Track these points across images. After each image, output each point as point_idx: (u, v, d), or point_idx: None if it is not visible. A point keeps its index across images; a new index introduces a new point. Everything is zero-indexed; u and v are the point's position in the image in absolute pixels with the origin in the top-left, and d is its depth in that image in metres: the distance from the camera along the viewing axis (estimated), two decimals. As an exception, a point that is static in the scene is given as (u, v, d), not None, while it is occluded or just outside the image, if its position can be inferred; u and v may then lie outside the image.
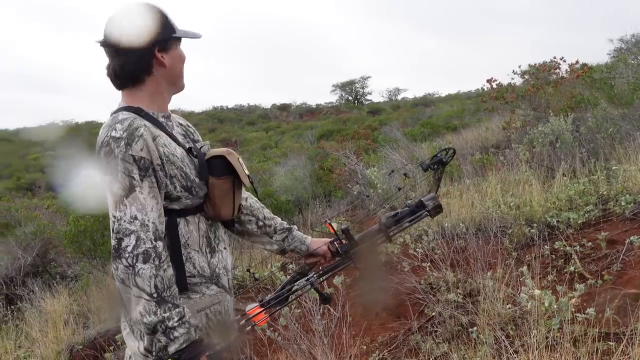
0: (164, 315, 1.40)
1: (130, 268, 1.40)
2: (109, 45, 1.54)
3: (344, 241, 1.78)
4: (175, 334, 1.42)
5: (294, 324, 3.22)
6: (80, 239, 6.71)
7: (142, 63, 1.56)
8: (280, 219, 1.92)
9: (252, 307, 1.70)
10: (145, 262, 1.40)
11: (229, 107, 46.97)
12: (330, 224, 1.79)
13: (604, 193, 4.51)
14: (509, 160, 6.44)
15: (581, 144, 5.96)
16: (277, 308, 1.73)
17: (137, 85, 1.58)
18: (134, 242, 1.40)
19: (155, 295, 1.40)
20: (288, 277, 1.88)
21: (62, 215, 8.81)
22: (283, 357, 3.04)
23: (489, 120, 12.32)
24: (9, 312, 6.15)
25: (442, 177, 1.87)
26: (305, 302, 3.33)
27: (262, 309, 1.69)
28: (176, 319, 1.42)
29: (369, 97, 45.73)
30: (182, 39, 1.63)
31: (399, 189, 1.95)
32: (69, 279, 7.39)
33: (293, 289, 1.71)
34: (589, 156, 5.64)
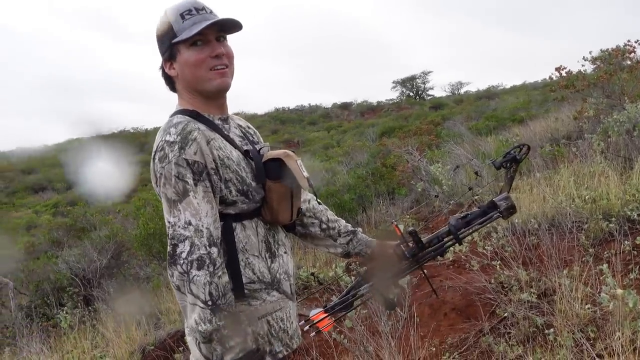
0: (219, 323, 1.37)
1: (185, 275, 1.37)
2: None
3: (410, 244, 1.71)
4: (231, 342, 1.39)
5: (360, 325, 3.16)
6: (150, 242, 6.91)
7: (163, 73, 1.59)
8: (344, 221, 1.86)
9: (316, 313, 1.66)
10: (199, 268, 1.37)
11: (290, 108, 47.41)
12: (397, 226, 1.72)
13: (690, 184, 4.20)
14: (582, 152, 6.12)
15: (661, 131, 5.58)
16: (342, 313, 1.69)
17: (178, 92, 1.60)
18: (188, 248, 1.38)
19: (210, 302, 1.37)
20: (353, 279, 1.83)
21: (133, 219, 9.11)
22: (349, 359, 2.99)
23: (558, 111, 11.80)
24: (87, 313, 6.42)
25: (515, 175, 1.76)
26: (372, 302, 3.27)
27: (327, 314, 1.65)
28: (232, 327, 1.39)
29: (430, 92, 44.88)
30: (197, 40, 1.50)
31: (470, 189, 1.85)
32: (141, 280, 7.65)
33: (358, 294, 1.66)
34: (671, 144, 5.28)
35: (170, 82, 1.61)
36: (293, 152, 1.60)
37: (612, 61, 7.03)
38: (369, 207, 8.16)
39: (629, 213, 3.95)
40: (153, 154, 1.47)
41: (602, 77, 6.90)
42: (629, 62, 7.10)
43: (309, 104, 46.86)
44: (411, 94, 44.52)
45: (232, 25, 1.54)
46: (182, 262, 1.37)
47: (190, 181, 1.41)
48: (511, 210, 1.65)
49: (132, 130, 39.95)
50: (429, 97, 42.82)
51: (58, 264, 8.38)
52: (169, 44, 1.52)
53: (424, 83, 44.84)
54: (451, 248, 4.39)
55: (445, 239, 1.68)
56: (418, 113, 29.69)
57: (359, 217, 7.93)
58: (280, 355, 1.57)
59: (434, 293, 3.76)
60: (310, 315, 1.68)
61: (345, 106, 44.42)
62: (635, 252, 3.47)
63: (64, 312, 6.43)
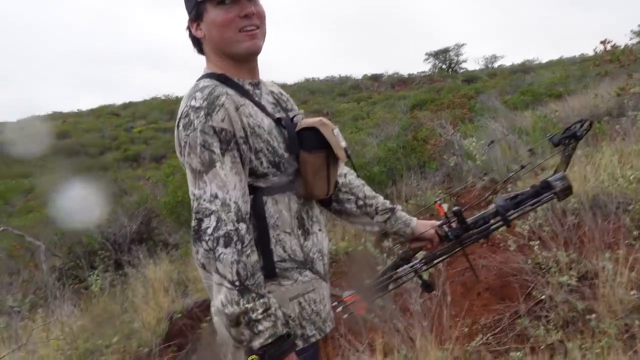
0: (247, 306, 1.26)
1: (211, 252, 1.26)
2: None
3: (454, 225, 1.59)
4: (260, 327, 1.27)
5: (391, 303, 3.07)
6: (179, 210, 6.91)
7: (189, 34, 1.49)
8: (382, 198, 1.73)
9: (350, 294, 1.57)
10: (226, 246, 1.26)
11: (320, 78, 46.97)
12: (440, 205, 1.60)
13: None
14: (625, 129, 5.86)
15: None
16: (377, 296, 1.59)
17: (205, 54, 1.49)
18: (214, 223, 1.27)
19: (237, 283, 1.26)
20: (385, 256, 1.73)
21: (162, 185, 9.16)
22: (379, 337, 2.91)
23: (598, 87, 11.37)
24: (117, 277, 6.50)
25: (573, 154, 1.62)
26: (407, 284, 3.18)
27: (360, 296, 1.56)
28: (260, 310, 1.27)
29: (463, 65, 43.94)
30: None
31: (522, 167, 1.71)
32: (170, 246, 7.71)
33: (395, 277, 1.56)
34: None
35: (197, 43, 1.49)
36: (329, 120, 1.48)
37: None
38: (399, 181, 8.02)
39: (677, 195, 3.75)
40: (177, 120, 1.36)
41: (651, 51, 6.56)
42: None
43: (339, 75, 46.38)
44: (444, 66, 43.64)
45: None
46: (207, 238, 1.27)
47: (217, 150, 1.30)
48: (567, 191, 1.52)
49: (163, 98, 40.22)
50: (462, 71, 41.96)
51: (90, 227, 8.51)
52: (195, 2, 1.40)
53: (457, 56, 43.89)
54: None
55: (492, 221, 1.56)
56: (450, 86, 29.09)
57: (388, 190, 7.79)
58: (313, 340, 1.46)
59: (468, 270, 3.67)
60: (343, 297, 1.59)
61: (375, 77, 43.80)
62: (684, 237, 3.29)
63: (95, 275, 6.53)
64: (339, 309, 1.60)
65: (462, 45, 45.84)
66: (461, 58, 44.07)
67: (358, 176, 1.71)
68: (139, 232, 8.39)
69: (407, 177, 7.93)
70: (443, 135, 8.55)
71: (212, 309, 1.39)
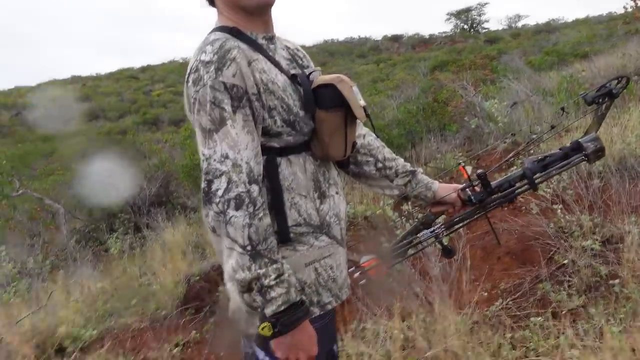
0: (259, 271, 1.21)
1: (221, 215, 1.21)
2: None
3: (477, 188, 1.51)
4: (273, 294, 1.22)
5: (410, 267, 3.03)
6: (196, 173, 6.90)
7: None
8: (402, 160, 1.65)
9: (368, 259, 1.52)
10: (237, 208, 1.20)
11: (339, 40, 46.31)
12: (463, 167, 1.52)
13: None
14: (655, 89, 5.66)
15: None
16: (396, 261, 1.54)
17: (217, 7, 1.40)
18: (225, 185, 1.21)
19: (249, 247, 1.21)
20: (403, 219, 1.67)
21: (180, 148, 9.16)
22: (397, 301, 2.88)
23: (625, 46, 11.00)
24: (136, 240, 6.57)
25: (607, 113, 1.52)
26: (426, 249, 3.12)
27: (379, 261, 1.50)
28: (273, 276, 1.22)
29: (486, 25, 42.93)
30: None
31: (553, 127, 1.63)
32: (189, 209, 7.74)
33: (415, 242, 1.50)
34: None
35: None
36: (348, 77, 1.39)
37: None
38: (419, 143, 7.91)
39: None
40: (187, 75, 1.29)
41: (685, 7, 6.27)
42: None
43: (359, 36, 45.72)
44: (465, 26, 42.68)
45: None
46: (217, 200, 1.21)
47: (228, 108, 1.23)
48: (599, 153, 1.44)
49: (181, 61, 40.06)
50: (484, 31, 40.99)
51: (108, 190, 8.58)
52: None
53: (479, 15, 42.89)
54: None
55: (518, 184, 1.48)
56: (472, 47, 28.47)
57: (407, 153, 7.69)
58: (329, 307, 1.41)
59: (489, 236, 3.60)
60: (361, 262, 1.54)
61: (395, 39, 43.06)
62: None
63: (115, 238, 6.61)
64: (357, 274, 1.55)
65: (485, 4, 44.81)
66: (483, 18, 43.22)
67: (377, 137, 1.64)
68: (158, 195, 8.43)
69: (426, 140, 7.81)
70: (464, 97, 8.37)
71: (225, 275, 1.35)
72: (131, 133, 13.45)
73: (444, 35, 41.47)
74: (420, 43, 39.96)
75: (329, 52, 38.65)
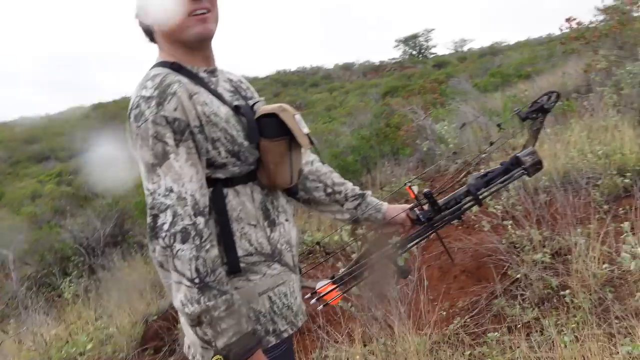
0: (208, 304, 1.20)
1: (168, 249, 1.19)
2: None
3: (425, 207, 1.55)
4: (223, 325, 1.21)
5: (367, 291, 3.05)
6: (151, 210, 6.80)
7: (139, 24, 1.42)
8: (351, 184, 1.68)
9: (323, 285, 1.52)
10: (184, 241, 1.19)
11: (291, 70, 46.74)
12: (410, 188, 1.56)
13: None
14: (593, 105, 5.92)
15: (677, 82, 5.36)
16: (352, 284, 1.55)
17: (157, 43, 1.42)
18: (170, 218, 1.20)
19: (197, 280, 1.20)
20: (359, 244, 1.69)
21: (134, 186, 9.01)
22: (357, 327, 2.89)
23: (565, 65, 11.50)
24: (91, 282, 6.38)
25: (542, 128, 1.59)
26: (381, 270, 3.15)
27: (335, 286, 1.51)
28: (223, 308, 1.21)
29: (433, 50, 44.14)
30: None
31: (491, 144, 1.69)
32: (145, 247, 7.58)
33: (368, 264, 1.52)
34: (687, 95, 5.07)
35: (148, 32, 1.42)
36: (291, 105, 1.42)
37: (624, 10, 6.74)
38: (374, 168, 8.02)
39: (645, 167, 3.79)
40: (129, 112, 1.28)
41: (614, 27, 6.63)
42: (642, 10, 6.81)
43: (311, 66, 46.20)
44: (414, 52, 43.78)
45: None
46: (164, 234, 1.20)
47: (171, 141, 1.23)
48: (538, 166, 1.49)
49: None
50: (432, 55, 42.13)
51: (61, 233, 8.34)
52: None
53: (426, 41, 44.05)
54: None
55: (464, 201, 1.53)
56: (421, 72, 29.20)
57: (363, 178, 7.79)
58: (285, 335, 1.41)
59: (444, 254, 3.66)
60: (317, 288, 1.55)
61: (347, 67, 43.79)
62: (653, 208, 3.32)
63: (68, 282, 6.40)
64: (313, 300, 1.55)
65: (431, 30, 46.33)
66: (430, 43, 44.28)
67: (323, 163, 1.66)
68: (113, 235, 8.24)
69: (381, 165, 7.93)
70: (415, 120, 8.55)
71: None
72: (83, 173, 13.17)
73: (393, 61, 42.38)
74: (371, 70, 40.71)
75: (282, 83, 38.89)
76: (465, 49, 44.06)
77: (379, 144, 8.52)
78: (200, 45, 1.38)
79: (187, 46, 1.37)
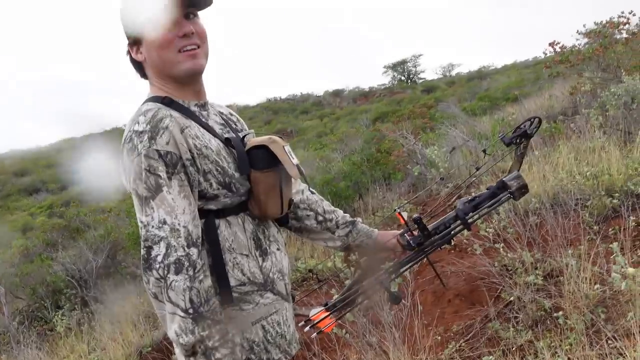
0: (202, 334, 1.23)
1: (162, 280, 1.22)
2: None
3: (415, 232, 1.58)
4: (218, 355, 1.24)
5: (362, 318, 3.05)
6: (143, 240, 6.77)
7: (130, 59, 1.46)
8: (342, 211, 1.71)
9: (316, 312, 1.53)
10: (177, 272, 1.22)
11: (282, 97, 47.04)
12: (400, 214, 1.59)
13: (693, 154, 4.09)
14: (580, 127, 6.00)
15: (660, 102, 5.47)
16: (345, 311, 1.57)
17: (148, 79, 1.46)
18: (164, 250, 1.23)
19: (191, 310, 1.22)
20: (352, 270, 1.71)
21: (126, 216, 8.98)
22: (353, 353, 2.88)
23: (552, 88, 11.69)
24: (84, 315, 6.31)
25: (526, 152, 1.63)
26: (375, 296, 3.15)
27: (328, 313, 1.53)
28: (217, 337, 1.24)
29: (422, 75, 44.73)
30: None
31: (477, 169, 1.72)
32: (138, 278, 7.53)
33: (361, 290, 1.54)
34: (671, 115, 5.17)
35: (139, 68, 1.46)
36: (280, 137, 1.45)
37: (606, 34, 6.90)
38: (366, 194, 8.06)
39: (632, 187, 3.85)
40: (121, 146, 1.32)
41: (597, 50, 6.77)
42: (624, 34, 6.97)
43: (301, 93, 46.56)
44: (403, 78, 44.33)
45: (202, 0, 1.38)
46: (157, 266, 1.23)
47: (163, 175, 1.26)
48: (523, 190, 1.53)
49: (123, 127, 39.65)
50: (421, 81, 42.65)
51: (53, 266, 8.27)
52: (133, 26, 1.38)
53: (415, 66, 44.67)
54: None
55: (453, 225, 1.56)
56: (410, 97, 29.53)
57: (355, 204, 7.82)
58: None
59: (437, 279, 3.67)
60: (310, 315, 1.56)
61: (337, 93, 44.15)
62: (642, 228, 3.37)
63: (60, 315, 6.33)
64: (307, 328, 1.57)
65: (419, 56, 46.88)
66: (419, 68, 44.92)
67: (313, 192, 1.69)
68: (105, 267, 8.18)
69: (373, 190, 7.97)
70: (405, 145, 8.63)
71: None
72: (74, 205, 13.12)
73: (383, 87, 42.88)
74: (361, 96, 41.08)
75: (273, 110, 39.12)
76: (453, 73, 44.66)
77: (371, 169, 8.58)
78: (190, 80, 1.42)
79: (177, 81, 1.41)
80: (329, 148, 13.46)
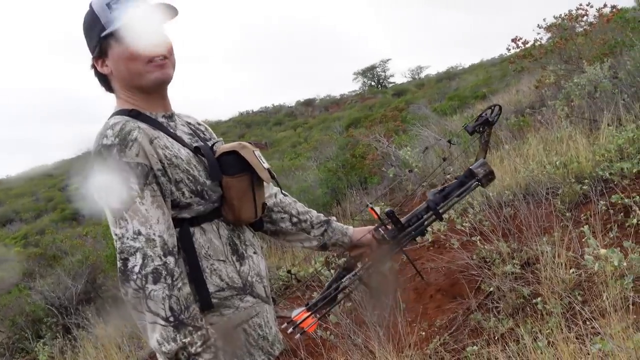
0: (184, 340, 1.23)
1: (141, 291, 1.23)
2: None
3: (389, 226, 1.61)
4: None
5: (345, 319, 3.07)
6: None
7: (95, 72, 1.45)
8: (316, 211, 1.73)
9: (298, 313, 1.55)
10: (156, 282, 1.23)
11: (254, 110, 47.01)
12: (372, 209, 1.61)
13: (657, 137, 4.21)
14: (547, 119, 6.14)
15: (622, 89, 5.61)
16: (326, 310, 1.58)
17: (115, 92, 1.46)
18: (140, 260, 1.23)
19: (171, 319, 1.23)
20: (333, 272, 1.73)
21: (103, 239, 8.87)
22: (339, 355, 2.90)
23: (518, 83, 11.91)
24: (67, 342, 6.21)
25: (490, 139, 1.68)
26: (354, 294, 3.18)
27: (310, 312, 1.54)
28: (199, 343, 1.25)
29: (391, 79, 45.18)
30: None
31: (444, 159, 1.76)
32: (119, 300, 7.42)
33: (340, 287, 1.55)
34: (633, 101, 5.30)
35: (104, 81, 1.46)
36: (250, 143, 1.47)
37: (566, 27, 7.08)
38: (343, 200, 8.10)
39: (600, 173, 3.94)
40: (90, 162, 1.32)
41: (559, 43, 6.94)
42: (583, 24, 7.15)
43: (273, 105, 46.60)
44: (373, 83, 44.72)
45: (167, 12, 1.39)
46: (135, 277, 1.23)
47: (135, 186, 1.27)
48: (490, 176, 1.57)
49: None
50: (391, 85, 43.09)
51: (32, 295, 8.13)
52: (98, 39, 1.38)
53: (384, 71, 45.12)
54: (430, 229, 4.36)
55: (425, 216, 1.59)
56: (382, 101, 29.79)
57: (334, 210, 7.85)
58: None
59: (418, 276, 3.71)
60: (292, 316, 1.57)
61: (308, 102, 44.32)
62: (612, 211, 3.45)
63: (42, 344, 6.22)
64: (290, 329, 1.58)
65: (388, 60, 47.23)
66: (388, 73, 45.40)
67: (286, 194, 1.71)
68: (86, 292, 8.07)
69: (350, 195, 8.01)
70: (379, 148, 8.70)
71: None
72: (49, 232, 12.91)
73: (354, 93, 43.16)
74: (333, 104, 41.30)
75: (246, 124, 39.07)
76: (422, 75, 45.13)
77: (346, 174, 8.63)
78: (158, 90, 1.44)
79: (145, 92, 1.42)
80: (303, 157, 13.49)
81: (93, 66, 1.44)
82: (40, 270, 9.74)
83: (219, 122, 39.75)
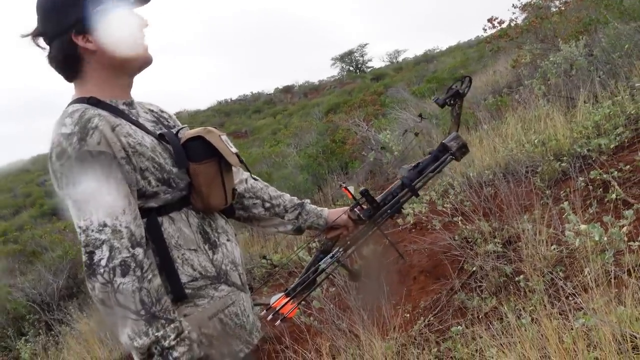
0: (157, 334, 1.17)
1: (109, 285, 1.16)
2: (36, 34, 1.34)
3: (364, 206, 1.58)
4: (175, 354, 1.19)
5: (329, 304, 3.05)
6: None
7: (64, 52, 1.32)
8: (289, 195, 1.68)
9: (277, 299, 1.51)
10: (124, 274, 1.16)
11: (233, 99, 46.63)
12: (346, 189, 1.58)
13: (632, 112, 4.24)
14: (524, 98, 6.16)
15: (597, 67, 5.65)
16: (306, 294, 1.55)
17: (81, 76, 1.35)
18: (107, 253, 1.17)
19: (142, 312, 1.17)
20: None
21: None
22: (324, 341, 2.88)
23: (495, 63, 11.95)
24: (50, 338, 6.13)
25: (462, 112, 1.65)
26: (337, 279, 3.16)
27: (289, 298, 1.51)
28: (173, 336, 1.19)
29: (369, 64, 45.08)
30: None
31: (416, 134, 1.73)
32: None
33: (319, 270, 1.52)
34: (609, 78, 5.34)
35: (74, 61, 1.33)
36: (215, 127, 1.41)
37: (541, 6, 7.09)
38: (325, 185, 8.08)
39: (578, 150, 3.96)
40: (50, 152, 1.24)
41: (534, 22, 6.95)
42: (558, 5, 7.17)
43: (251, 92, 46.28)
44: (351, 68, 44.58)
45: None
46: (102, 270, 1.16)
47: (98, 176, 1.20)
48: (463, 149, 1.54)
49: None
50: (369, 69, 42.96)
51: (12, 292, 8.02)
52: (85, 13, 1.28)
53: (362, 56, 44.97)
54: (411, 211, 4.35)
55: (401, 194, 1.56)
56: (360, 86, 29.71)
57: (315, 196, 7.83)
58: (242, 354, 1.39)
59: (400, 258, 3.70)
60: (271, 303, 1.54)
61: (287, 89, 44.07)
62: (591, 187, 3.47)
63: (24, 341, 6.14)
64: (270, 316, 1.55)
65: (365, 45, 47.14)
66: (366, 57, 45.22)
67: (256, 179, 1.66)
68: (68, 287, 7.97)
69: (331, 180, 8.00)
70: (359, 133, 8.69)
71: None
72: (28, 228, 12.72)
73: (332, 79, 43.02)
74: (312, 90, 41.13)
75: (225, 113, 38.77)
76: (400, 59, 45.07)
77: (327, 160, 8.61)
78: (138, 72, 1.41)
79: (126, 73, 1.38)
80: (283, 143, 13.43)
81: (69, 42, 1.31)
82: (20, 267, 9.60)
83: (197, 111, 39.41)
